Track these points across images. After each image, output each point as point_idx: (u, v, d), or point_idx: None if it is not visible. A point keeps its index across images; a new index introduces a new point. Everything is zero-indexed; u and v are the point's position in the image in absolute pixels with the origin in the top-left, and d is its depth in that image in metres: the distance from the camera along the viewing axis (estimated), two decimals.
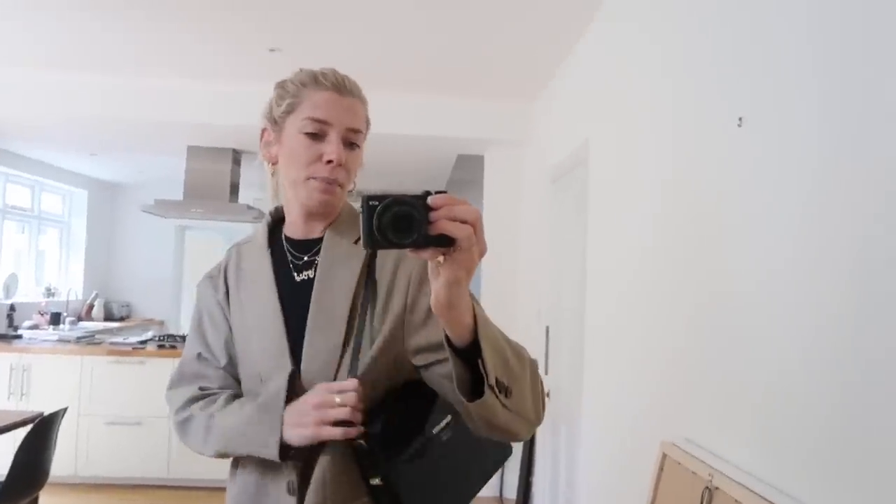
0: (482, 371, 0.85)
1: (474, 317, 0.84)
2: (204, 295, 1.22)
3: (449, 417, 1.04)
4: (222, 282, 1.20)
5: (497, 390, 0.87)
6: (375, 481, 1.02)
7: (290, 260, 1.15)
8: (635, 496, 2.15)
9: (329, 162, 1.06)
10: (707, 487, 1.48)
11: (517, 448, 4.02)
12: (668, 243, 2.05)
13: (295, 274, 1.14)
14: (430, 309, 0.85)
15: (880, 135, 1.11)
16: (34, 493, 2.96)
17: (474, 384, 0.88)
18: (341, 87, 1.10)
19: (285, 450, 1.02)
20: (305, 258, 1.13)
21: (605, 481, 2.58)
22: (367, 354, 1.03)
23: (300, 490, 1.04)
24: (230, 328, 1.16)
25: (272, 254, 1.16)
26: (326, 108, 1.07)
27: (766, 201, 1.45)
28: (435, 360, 0.99)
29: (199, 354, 1.20)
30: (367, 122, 1.15)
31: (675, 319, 1.96)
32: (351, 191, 1.17)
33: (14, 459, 2.77)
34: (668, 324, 2.01)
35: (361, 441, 1.01)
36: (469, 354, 0.86)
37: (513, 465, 4.16)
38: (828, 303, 1.22)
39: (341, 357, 1.04)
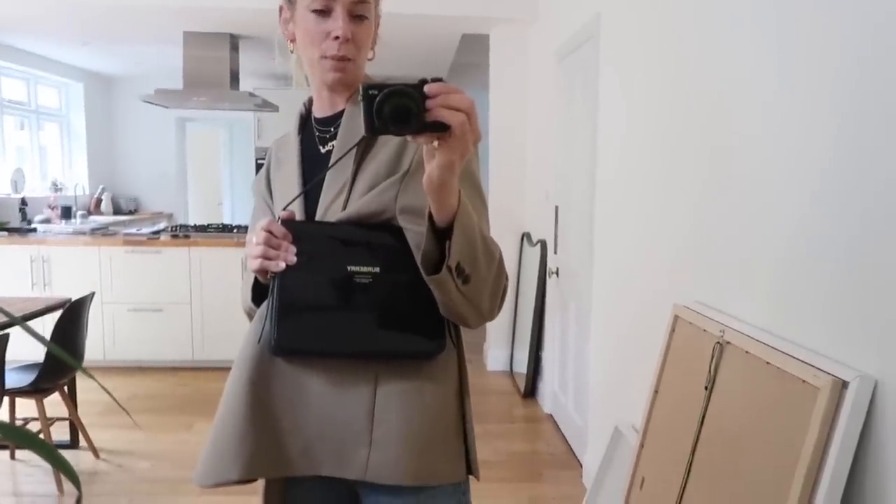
0: (447, 251, 0.93)
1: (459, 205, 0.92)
2: (254, 191, 1.30)
3: (377, 269, 1.06)
4: (265, 174, 1.27)
5: (455, 273, 0.95)
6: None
7: (317, 135, 1.20)
8: (647, 361, 2.26)
9: (336, 38, 1.08)
10: (718, 342, 1.57)
11: (525, 325, 4.18)
12: (677, 118, 2.04)
13: (321, 147, 1.19)
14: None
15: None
16: (71, 374, 3.12)
17: (439, 264, 0.96)
18: None
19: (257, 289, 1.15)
20: (331, 130, 1.18)
21: (615, 350, 2.70)
22: (360, 197, 1.09)
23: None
24: (273, 214, 1.22)
25: (303, 135, 1.22)
26: None
27: (780, 68, 1.44)
28: (413, 225, 1.04)
29: None
30: None
31: (684, 186, 1.99)
32: (371, 59, 1.19)
33: (49, 342, 2.89)
34: (675, 193, 2.05)
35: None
36: (443, 235, 0.94)
37: (522, 342, 4.34)
38: (829, 157, 1.24)
39: (336, 197, 1.11)
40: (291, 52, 1.19)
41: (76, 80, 6.99)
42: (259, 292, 1.16)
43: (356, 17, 1.10)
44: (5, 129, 6.08)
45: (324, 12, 1.08)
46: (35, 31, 5.27)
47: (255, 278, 1.13)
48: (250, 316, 1.21)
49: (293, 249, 1.05)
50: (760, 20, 1.57)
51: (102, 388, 0.62)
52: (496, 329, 4.74)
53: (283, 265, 1.04)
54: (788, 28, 1.45)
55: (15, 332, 2.81)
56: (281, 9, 1.17)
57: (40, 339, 0.83)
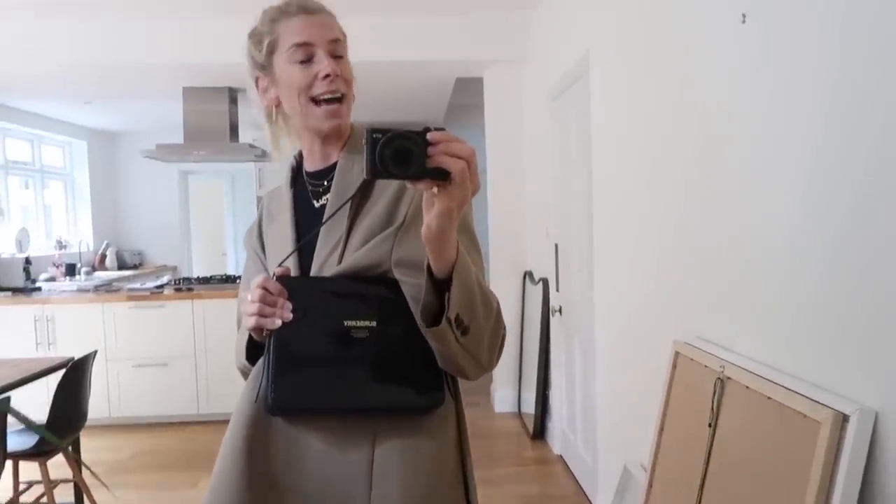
0: (446, 302, 0.93)
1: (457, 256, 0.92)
2: (246, 245, 1.30)
3: (374, 323, 1.05)
4: (257, 228, 1.28)
5: (455, 324, 0.95)
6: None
7: (310, 189, 1.20)
8: (651, 398, 2.23)
9: (326, 76, 1.10)
10: (719, 378, 1.55)
11: (531, 364, 4.15)
12: (671, 147, 2.06)
13: (314, 201, 1.19)
14: (420, 234, 0.91)
15: (882, 32, 1.11)
16: (74, 434, 3.09)
17: (438, 315, 0.95)
18: (307, 8, 1.14)
19: (252, 347, 1.13)
20: (324, 184, 1.18)
21: (621, 388, 2.67)
22: (355, 251, 1.09)
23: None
24: (266, 269, 1.22)
25: (295, 190, 1.22)
26: (305, 31, 1.11)
27: (770, 96, 1.45)
28: (410, 278, 1.03)
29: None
30: (343, 34, 1.18)
31: (681, 222, 1.99)
32: (360, 122, 1.20)
33: (53, 403, 2.88)
34: (674, 228, 2.05)
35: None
36: (441, 286, 0.94)
37: (529, 383, 4.29)
38: (827, 192, 1.25)
39: (332, 251, 1.11)
40: (276, 118, 1.19)
41: (80, 138, 7.11)
42: (253, 350, 1.14)
43: (336, 57, 1.13)
44: (10, 190, 6.16)
45: (306, 61, 1.11)
46: (39, 93, 5.38)
47: (250, 336, 1.12)
48: (245, 374, 1.20)
49: (289, 306, 1.04)
50: (744, 55, 1.59)
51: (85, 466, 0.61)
52: (502, 370, 4.70)
53: (279, 322, 1.03)
54: (773, 63, 1.47)
55: (17, 393, 2.80)
56: (257, 80, 1.19)
57: (23, 419, 0.82)
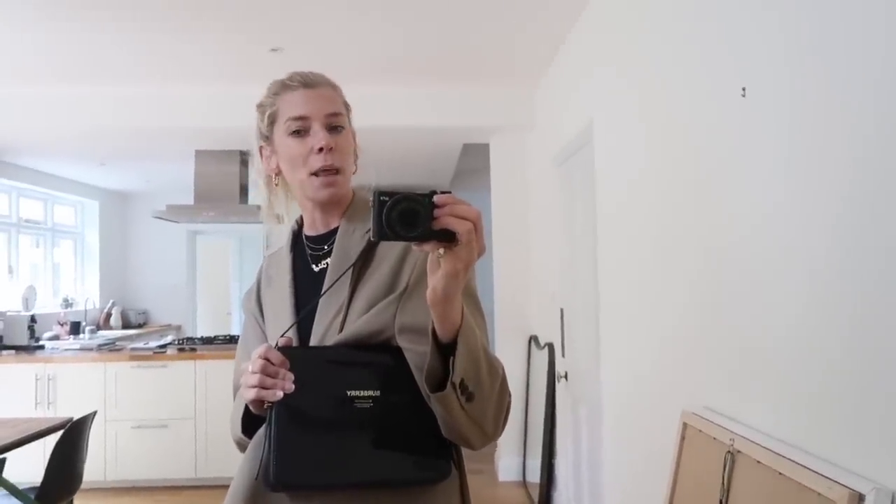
0: (451, 367, 0.92)
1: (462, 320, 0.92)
2: (244, 309, 1.30)
3: (377, 392, 1.03)
4: (255, 292, 1.27)
5: (459, 391, 0.93)
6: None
7: (310, 254, 1.20)
8: (660, 469, 2.17)
9: (320, 150, 1.12)
10: (729, 451, 1.51)
11: (537, 430, 4.06)
12: (675, 214, 2.07)
13: (314, 266, 1.19)
14: (425, 298, 0.90)
15: (882, 108, 1.13)
16: (69, 497, 3.02)
17: (442, 381, 0.94)
18: (308, 82, 1.16)
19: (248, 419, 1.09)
20: (325, 248, 1.18)
21: (629, 457, 2.61)
22: (357, 318, 1.08)
23: None
24: (265, 334, 1.21)
25: (295, 254, 1.22)
26: (301, 105, 1.14)
27: (771, 168, 1.47)
28: (414, 345, 1.02)
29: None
30: (347, 106, 1.21)
31: (688, 290, 1.98)
32: (354, 172, 1.22)
33: (48, 464, 2.82)
34: (681, 296, 2.04)
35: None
36: (446, 351, 0.93)
37: (534, 450, 4.20)
38: (833, 263, 1.24)
39: (333, 319, 1.10)
40: (276, 185, 1.22)
41: (92, 198, 7.22)
42: (250, 423, 1.11)
43: (333, 129, 1.15)
44: (21, 248, 6.22)
45: (301, 132, 1.13)
46: (54, 154, 5.50)
47: (246, 407, 1.08)
48: (241, 446, 1.17)
49: (291, 377, 1.00)
50: (750, 120, 1.62)
51: None
52: (507, 437, 4.60)
53: (280, 394, 0.99)
54: (779, 123, 1.49)
55: (13, 454, 2.75)
56: (261, 149, 1.22)
57: (10, 487, 0.80)
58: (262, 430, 1.08)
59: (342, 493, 1.03)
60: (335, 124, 1.15)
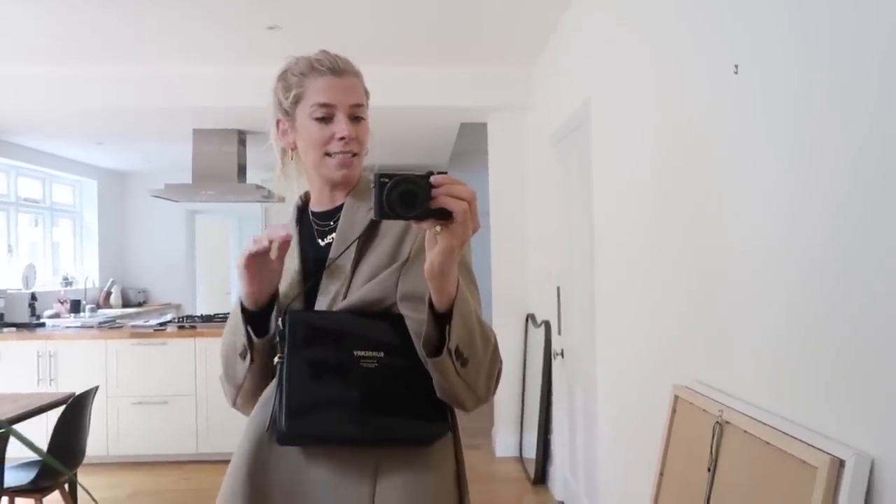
0: (447, 335, 0.99)
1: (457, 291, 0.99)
2: None
3: (381, 353, 1.10)
4: None
5: (454, 356, 1.00)
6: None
7: (316, 229, 1.26)
8: (652, 440, 2.22)
9: (342, 139, 1.18)
10: (718, 422, 1.55)
11: (533, 407, 4.12)
12: (670, 193, 2.09)
13: (319, 240, 1.25)
14: (423, 270, 0.97)
15: (872, 85, 1.15)
16: (72, 471, 3.07)
17: (438, 348, 1.01)
18: (337, 69, 1.20)
19: (248, 315, 1.15)
20: (330, 224, 1.24)
21: (623, 432, 2.66)
22: (360, 287, 1.14)
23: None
24: None
25: (301, 228, 1.28)
26: (329, 93, 1.18)
27: (763, 145, 1.49)
28: (414, 312, 1.08)
29: None
30: (367, 93, 1.26)
31: (681, 268, 2.01)
32: (365, 167, 1.27)
33: (51, 439, 2.87)
34: (673, 273, 2.07)
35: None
36: (442, 320, 1.00)
37: (531, 426, 4.26)
38: (826, 237, 1.27)
39: (339, 288, 1.16)
40: (291, 158, 1.27)
41: (90, 177, 7.22)
42: (254, 324, 1.14)
43: (355, 119, 1.20)
44: (20, 227, 6.24)
45: (325, 119, 1.18)
46: (53, 133, 5.50)
47: (246, 311, 1.14)
48: (234, 386, 1.20)
49: (287, 231, 1.09)
50: (743, 97, 1.64)
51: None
52: (504, 413, 4.66)
53: (275, 251, 1.07)
54: (773, 106, 1.51)
55: (15, 428, 2.79)
56: (278, 122, 1.26)
57: (29, 444, 0.84)
58: (270, 388, 1.14)
59: (342, 451, 1.09)
60: (357, 115, 1.21)
